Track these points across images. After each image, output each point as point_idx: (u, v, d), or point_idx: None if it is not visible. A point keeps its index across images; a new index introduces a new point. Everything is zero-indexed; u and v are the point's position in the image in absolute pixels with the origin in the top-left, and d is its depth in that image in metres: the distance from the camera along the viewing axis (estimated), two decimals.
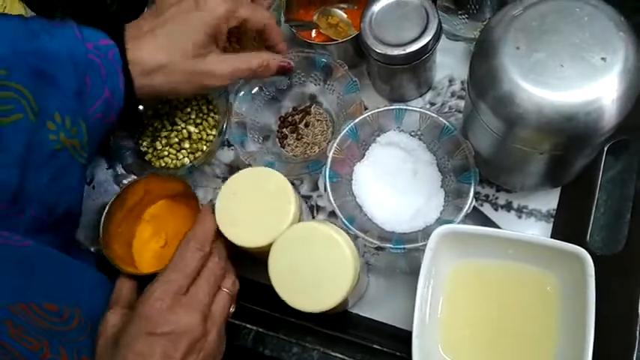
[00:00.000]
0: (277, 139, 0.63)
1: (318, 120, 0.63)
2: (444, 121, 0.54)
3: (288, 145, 0.63)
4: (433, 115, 0.54)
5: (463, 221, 0.51)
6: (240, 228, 0.49)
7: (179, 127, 0.62)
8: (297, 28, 0.62)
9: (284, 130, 0.63)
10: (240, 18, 0.52)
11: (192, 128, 0.62)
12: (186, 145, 0.62)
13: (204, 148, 0.62)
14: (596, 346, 0.44)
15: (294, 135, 0.63)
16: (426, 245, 0.48)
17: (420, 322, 0.47)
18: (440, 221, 0.53)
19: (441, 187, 0.56)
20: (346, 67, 0.58)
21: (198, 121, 0.62)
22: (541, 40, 0.42)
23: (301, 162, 0.60)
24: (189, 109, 0.63)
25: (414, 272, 0.48)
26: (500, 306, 0.50)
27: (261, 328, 0.56)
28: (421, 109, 0.55)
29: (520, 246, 0.48)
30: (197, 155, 0.62)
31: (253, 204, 0.50)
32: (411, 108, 0.55)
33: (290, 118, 0.63)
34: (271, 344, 0.56)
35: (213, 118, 0.63)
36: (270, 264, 0.48)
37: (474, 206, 0.57)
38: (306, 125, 0.63)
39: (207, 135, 0.62)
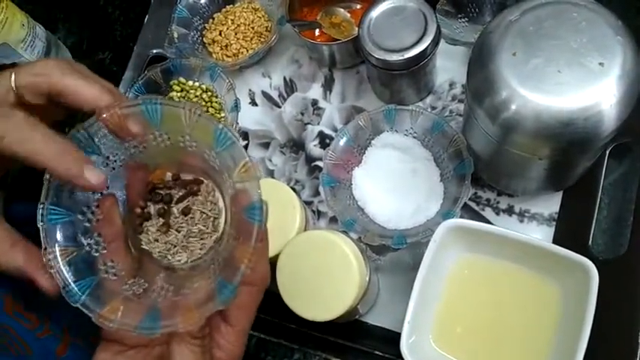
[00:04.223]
0: (136, 215, 0.37)
1: (203, 212, 0.37)
2: (434, 116, 0.54)
3: (147, 231, 0.37)
4: (422, 111, 0.55)
5: (461, 212, 0.50)
6: None
7: None
8: (299, 27, 0.62)
9: (150, 205, 0.37)
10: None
11: None
12: None
13: None
14: (598, 351, 0.44)
15: (160, 221, 0.37)
16: (427, 238, 0.48)
17: (415, 310, 0.47)
18: (440, 213, 0.54)
19: (440, 180, 0.56)
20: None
21: (204, 109, 0.64)
22: (538, 45, 0.42)
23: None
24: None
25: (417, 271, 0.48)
26: (498, 306, 0.50)
27: (263, 335, 0.56)
28: (409, 107, 0.55)
29: (525, 249, 0.48)
30: None
31: None
32: (400, 107, 0.55)
33: (163, 191, 0.37)
34: (273, 350, 0.56)
35: (216, 101, 0.64)
36: (277, 274, 0.48)
37: (476, 210, 0.57)
38: (185, 213, 0.37)
39: (220, 119, 0.63)
